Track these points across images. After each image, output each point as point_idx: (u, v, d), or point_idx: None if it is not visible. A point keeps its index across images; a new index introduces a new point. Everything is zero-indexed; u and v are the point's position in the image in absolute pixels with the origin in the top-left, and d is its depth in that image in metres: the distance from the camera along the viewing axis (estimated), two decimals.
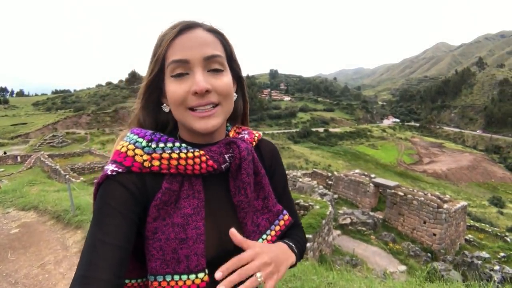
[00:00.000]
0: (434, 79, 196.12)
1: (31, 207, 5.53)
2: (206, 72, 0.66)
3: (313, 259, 6.48)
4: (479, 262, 12.21)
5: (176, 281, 0.63)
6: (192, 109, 0.66)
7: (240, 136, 0.81)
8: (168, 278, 0.63)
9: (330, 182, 21.97)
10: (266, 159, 0.86)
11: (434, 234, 14.66)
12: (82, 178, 15.41)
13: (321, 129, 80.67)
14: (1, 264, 3.65)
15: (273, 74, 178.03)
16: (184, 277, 0.63)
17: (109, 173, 0.63)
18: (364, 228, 14.79)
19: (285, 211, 0.83)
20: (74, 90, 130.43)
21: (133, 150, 0.65)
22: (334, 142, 72.17)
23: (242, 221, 0.73)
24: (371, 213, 16.56)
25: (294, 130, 78.01)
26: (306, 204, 11.37)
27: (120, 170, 0.63)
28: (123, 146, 0.66)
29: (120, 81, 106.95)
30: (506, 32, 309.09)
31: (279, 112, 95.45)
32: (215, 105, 0.67)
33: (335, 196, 19.37)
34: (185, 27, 0.67)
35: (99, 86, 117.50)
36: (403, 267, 11.31)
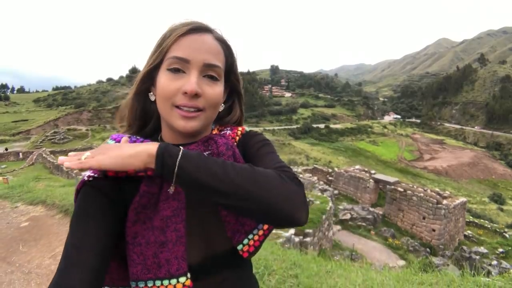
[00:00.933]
0: (435, 75, 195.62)
1: (39, 202, 5.67)
2: (202, 77, 0.67)
3: (313, 253, 6.64)
4: (477, 257, 12.38)
5: (158, 287, 0.62)
6: (178, 107, 0.67)
7: (222, 132, 0.81)
8: (150, 283, 0.62)
9: (330, 178, 22.13)
10: (250, 148, 0.80)
11: (433, 230, 14.83)
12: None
13: (322, 125, 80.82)
14: (14, 255, 3.79)
15: (274, 70, 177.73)
16: (166, 282, 0.62)
17: (86, 178, 0.63)
18: (364, 224, 14.97)
19: None
20: (75, 87, 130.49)
21: None
22: (335, 138, 72.31)
23: (225, 219, 0.72)
24: (371, 209, 16.74)
25: (295, 126, 78.11)
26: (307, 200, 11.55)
27: (96, 175, 0.63)
28: None
29: (121, 77, 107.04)
30: (509, 28, 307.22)
31: (280, 108, 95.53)
32: (199, 109, 0.68)
33: (336, 191, 19.55)
34: (197, 28, 0.68)
35: (99, 82, 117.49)
36: (402, 262, 11.49)
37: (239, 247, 0.72)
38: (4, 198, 6.25)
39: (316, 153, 56.58)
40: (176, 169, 0.56)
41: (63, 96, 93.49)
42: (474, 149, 75.54)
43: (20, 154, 27.42)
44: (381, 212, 17.15)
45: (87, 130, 47.03)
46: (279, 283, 2.43)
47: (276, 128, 75.07)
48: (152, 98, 0.74)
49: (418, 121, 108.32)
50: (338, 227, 14.39)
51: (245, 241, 0.72)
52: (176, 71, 0.66)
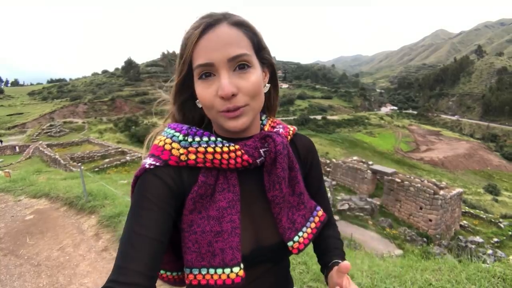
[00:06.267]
0: (432, 66, 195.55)
1: (42, 195, 5.70)
2: (232, 72, 0.64)
3: None
4: (473, 246, 12.61)
5: (211, 275, 0.64)
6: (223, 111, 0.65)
7: (275, 130, 0.80)
8: (204, 271, 0.64)
9: (328, 169, 22.27)
10: (302, 154, 0.86)
11: (430, 220, 15.06)
12: (82, 167, 15.46)
13: (319, 117, 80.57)
14: (22, 248, 3.84)
15: None
16: (219, 270, 0.64)
17: (147, 166, 0.64)
18: (362, 214, 15.15)
19: (318, 207, 0.83)
20: (70, 79, 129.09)
21: (170, 144, 0.66)
22: (332, 130, 72.24)
23: (277, 217, 0.73)
24: (369, 199, 16.92)
25: (292, 118, 77.75)
26: None
27: (157, 164, 0.64)
28: (160, 140, 0.67)
29: (116, 69, 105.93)
30: (506, 20, 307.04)
31: None
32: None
33: (334, 182, 19.70)
34: (208, 26, 0.64)
35: (95, 74, 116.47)
36: (399, 251, 11.68)
37: (290, 243, 0.73)
38: (6, 192, 6.29)
39: None
40: None
41: (58, 89, 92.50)
42: (470, 140, 75.90)
43: (17, 147, 27.23)
44: (378, 203, 17.35)
45: (83, 122, 46.67)
46: (290, 270, 2.51)
47: None
48: (200, 105, 0.71)
49: (415, 112, 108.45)
50: (336, 217, 14.55)
51: (296, 238, 0.74)
52: (206, 76, 0.64)
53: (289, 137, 0.82)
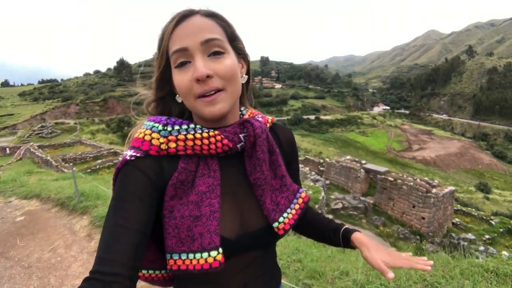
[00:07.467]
0: (424, 66, 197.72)
1: (33, 196, 5.61)
2: (207, 57, 0.66)
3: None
4: (465, 243, 12.76)
5: (191, 260, 0.64)
6: (200, 96, 0.66)
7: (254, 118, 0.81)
8: (183, 256, 0.64)
9: (322, 169, 22.32)
10: (284, 145, 0.87)
11: (423, 218, 15.16)
12: (75, 169, 15.21)
13: (312, 117, 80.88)
14: (12, 250, 3.76)
15: (264, 61, 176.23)
16: (198, 255, 0.64)
17: (128, 158, 0.64)
18: (355, 213, 15.21)
19: (301, 189, 0.84)
20: (62, 80, 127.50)
21: (150, 134, 0.66)
22: (325, 130, 72.58)
23: (260, 199, 0.74)
24: (362, 198, 16.98)
25: (285, 118, 77.97)
26: None
27: (138, 155, 0.64)
28: (140, 133, 0.68)
29: (109, 69, 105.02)
30: (496, 21, 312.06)
31: (270, 99, 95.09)
32: (219, 90, 0.66)
33: (327, 182, 19.74)
34: (182, 17, 0.67)
35: (86, 74, 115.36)
36: (393, 249, 11.76)
37: (275, 224, 0.73)
38: None
39: (307, 144, 56.83)
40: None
41: (50, 90, 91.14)
42: (462, 139, 76.87)
43: (7, 149, 26.74)
44: (372, 201, 17.42)
45: (75, 123, 46.14)
46: (284, 268, 2.50)
47: None
48: (180, 100, 0.73)
49: (407, 112, 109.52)
50: (330, 216, 14.54)
51: (280, 219, 0.75)
52: (182, 65, 0.66)
53: (268, 124, 0.83)
